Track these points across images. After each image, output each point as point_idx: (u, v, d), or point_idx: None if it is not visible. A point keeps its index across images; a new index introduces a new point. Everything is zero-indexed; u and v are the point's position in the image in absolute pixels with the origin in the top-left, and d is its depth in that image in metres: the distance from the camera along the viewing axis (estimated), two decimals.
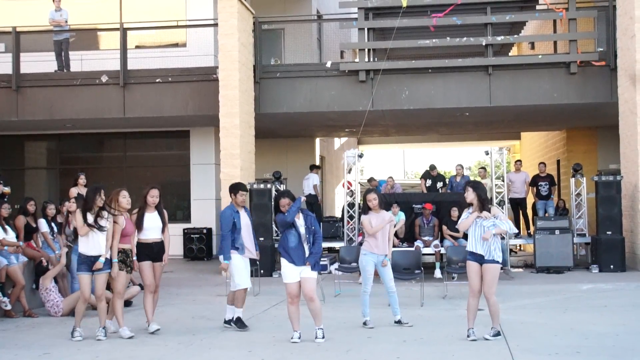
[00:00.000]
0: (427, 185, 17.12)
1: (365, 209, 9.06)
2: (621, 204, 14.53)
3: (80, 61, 17.74)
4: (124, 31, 16.91)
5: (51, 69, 17.16)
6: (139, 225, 8.82)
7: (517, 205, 17.23)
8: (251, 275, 12.59)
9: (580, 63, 15.76)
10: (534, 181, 17.08)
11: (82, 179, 13.33)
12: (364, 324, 8.79)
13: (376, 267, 8.90)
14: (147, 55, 17.57)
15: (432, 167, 17.44)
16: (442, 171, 18.67)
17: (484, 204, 7.88)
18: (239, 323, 8.80)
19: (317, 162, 22.84)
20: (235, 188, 9.08)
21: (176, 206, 19.73)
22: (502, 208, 15.14)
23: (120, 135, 19.61)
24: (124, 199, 8.71)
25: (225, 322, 8.98)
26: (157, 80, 16.77)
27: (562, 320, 9.14)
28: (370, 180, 18.06)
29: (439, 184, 17.03)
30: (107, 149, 20.23)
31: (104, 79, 16.82)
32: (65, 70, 17.02)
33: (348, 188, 16.01)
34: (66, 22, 17.00)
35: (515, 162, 17.95)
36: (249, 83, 15.96)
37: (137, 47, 18.49)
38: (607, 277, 13.42)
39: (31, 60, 17.31)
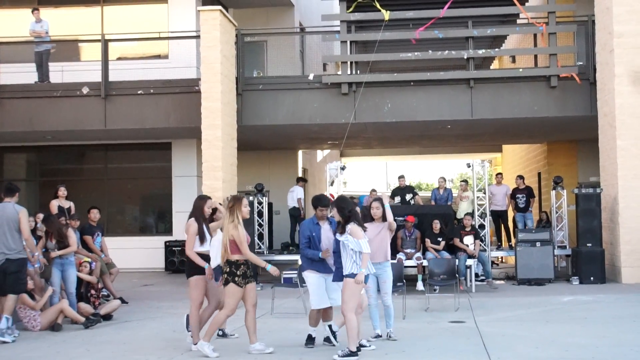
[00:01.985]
0: (397, 201, 16.91)
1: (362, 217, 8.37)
2: (601, 216, 14.67)
3: (61, 72, 17.65)
4: (105, 42, 16.86)
5: (31, 80, 17.06)
6: (202, 236, 8.45)
7: (499, 217, 17.34)
8: None
9: (561, 77, 15.89)
10: (513, 194, 17.22)
11: (62, 191, 13.22)
12: (377, 336, 8.61)
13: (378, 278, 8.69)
14: (128, 67, 17.53)
15: (401, 177, 17.39)
16: (424, 183, 18.60)
17: (347, 220, 7.77)
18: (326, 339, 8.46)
19: (300, 174, 22.84)
20: (316, 201, 8.48)
21: (157, 218, 19.65)
22: (484, 220, 15.23)
23: (101, 147, 19.51)
24: (246, 208, 8.28)
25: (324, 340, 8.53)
26: (139, 92, 16.72)
27: (543, 332, 9.18)
28: (400, 177, 17.64)
29: (408, 196, 16.98)
30: (88, 161, 20.11)
31: (85, 90, 16.74)
32: (45, 82, 16.93)
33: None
34: (47, 33, 16.93)
35: (496, 175, 18.06)
36: (231, 95, 15.96)
37: (119, 58, 18.46)
38: (587, 288, 13.52)
39: (11, 71, 17.22)
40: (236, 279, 7.88)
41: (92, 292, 11.10)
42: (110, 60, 17.03)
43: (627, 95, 14.35)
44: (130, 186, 19.62)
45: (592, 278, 14.23)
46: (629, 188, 14.26)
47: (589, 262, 14.34)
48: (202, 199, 8.75)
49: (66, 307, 10.11)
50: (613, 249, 14.56)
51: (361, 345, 8.04)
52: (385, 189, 41.69)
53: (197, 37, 16.38)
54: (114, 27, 18.45)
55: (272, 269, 7.96)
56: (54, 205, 12.68)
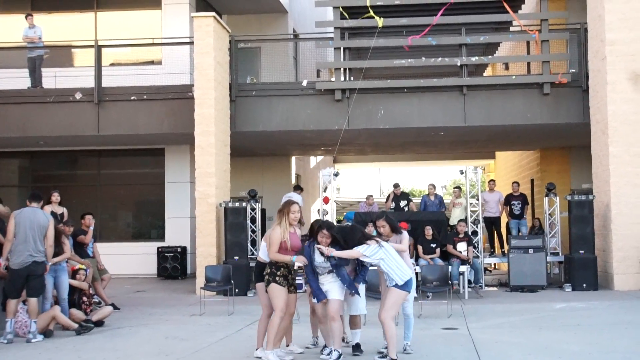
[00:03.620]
0: (392, 207, 16.98)
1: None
2: (593, 223, 14.71)
3: (54, 78, 17.61)
4: (98, 48, 16.85)
5: (24, 85, 17.02)
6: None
7: (492, 224, 17.37)
8: (224, 295, 12.63)
9: (555, 84, 15.93)
10: (507, 200, 17.25)
11: (55, 197, 13.21)
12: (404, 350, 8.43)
13: None
14: (122, 73, 17.52)
15: (396, 185, 17.44)
16: (418, 190, 18.58)
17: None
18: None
19: (293, 181, 22.86)
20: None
21: (150, 224, 19.62)
22: (477, 227, 15.25)
23: (94, 153, 19.48)
24: (293, 214, 8.12)
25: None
26: (132, 98, 16.70)
27: (536, 340, 9.20)
28: (396, 186, 17.51)
29: (403, 203, 17.01)
30: (80, 167, 20.07)
31: (78, 96, 16.72)
32: (38, 87, 16.89)
33: (325, 203, 15.97)
34: (40, 38, 16.90)
35: (489, 181, 18.10)
36: (224, 101, 15.96)
37: (112, 64, 18.44)
38: (580, 295, 13.54)
39: (4, 77, 17.20)
40: (277, 279, 7.88)
41: (84, 299, 11.06)
42: (104, 66, 17.01)
43: (620, 102, 14.41)
44: (123, 192, 19.58)
45: (584, 285, 14.26)
46: (622, 195, 14.31)
47: (582, 269, 14.37)
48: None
49: (58, 314, 10.09)
50: (606, 256, 14.60)
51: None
52: (378, 195, 41.78)
53: (191, 43, 16.39)
54: (107, 33, 18.44)
55: (298, 259, 7.93)
56: (47, 210, 12.61)
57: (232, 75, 16.58)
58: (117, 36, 18.02)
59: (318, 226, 8.03)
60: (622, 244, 14.20)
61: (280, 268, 7.90)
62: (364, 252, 7.72)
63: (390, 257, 7.78)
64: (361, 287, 8.35)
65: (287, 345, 8.51)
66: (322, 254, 7.84)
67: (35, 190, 10.37)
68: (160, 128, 16.79)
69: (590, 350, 8.42)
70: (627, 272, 14.12)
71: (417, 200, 19.58)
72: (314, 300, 8.07)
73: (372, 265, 8.11)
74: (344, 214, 17.82)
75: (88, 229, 12.64)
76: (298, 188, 18.53)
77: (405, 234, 8.75)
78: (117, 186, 19.54)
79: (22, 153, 19.54)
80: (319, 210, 17.14)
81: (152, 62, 18.64)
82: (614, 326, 10.12)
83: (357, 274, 8.13)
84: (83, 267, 11.30)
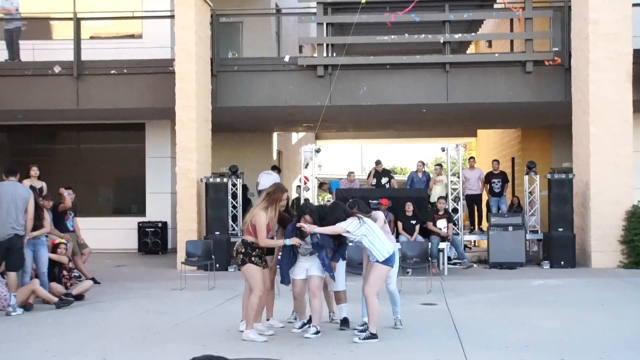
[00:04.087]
0: (372, 183, 17.07)
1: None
2: (573, 201, 14.88)
3: (32, 51, 17.41)
4: (77, 21, 16.66)
5: (1, 58, 16.84)
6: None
7: (473, 201, 17.49)
8: (205, 270, 12.70)
9: (547, 63, 15.98)
10: (487, 178, 17.36)
11: (34, 171, 13.15)
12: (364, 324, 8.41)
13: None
14: (102, 47, 17.38)
15: (378, 162, 17.44)
16: (399, 167, 18.61)
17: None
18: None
19: (275, 157, 22.89)
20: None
21: (131, 200, 19.58)
22: (457, 204, 15.39)
23: (73, 128, 19.36)
24: (283, 201, 8.18)
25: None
26: (112, 72, 16.58)
27: (514, 315, 9.34)
28: (377, 163, 17.43)
29: (384, 180, 17.07)
30: (60, 142, 19.94)
31: (57, 69, 16.58)
32: (16, 60, 16.71)
33: (305, 183, 16.06)
34: (17, 10, 16.69)
35: (469, 159, 18.20)
36: (206, 76, 15.89)
37: (92, 37, 18.27)
38: (557, 273, 13.74)
39: None
40: (253, 259, 7.91)
41: (65, 272, 11.07)
42: (83, 40, 16.84)
43: (601, 82, 14.51)
44: (103, 167, 19.50)
45: (562, 262, 14.46)
46: (601, 174, 14.47)
47: (560, 247, 14.56)
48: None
49: (38, 287, 10.10)
50: (584, 234, 14.80)
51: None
52: (360, 171, 41.87)
53: (172, 17, 16.26)
54: (86, 5, 18.20)
55: (292, 240, 7.96)
56: (26, 185, 12.57)
57: (213, 50, 16.49)
58: (97, 9, 17.82)
59: (301, 210, 8.10)
60: (600, 222, 14.39)
61: (255, 248, 7.95)
62: (347, 227, 7.79)
63: (372, 233, 7.85)
64: (341, 263, 8.44)
65: (268, 319, 8.60)
66: (302, 234, 7.90)
67: (10, 164, 10.33)
68: (140, 103, 16.70)
69: (567, 326, 8.58)
70: (604, 250, 14.33)
71: (402, 178, 19.66)
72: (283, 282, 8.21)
73: (351, 242, 8.19)
74: (329, 181, 17.74)
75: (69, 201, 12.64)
76: (275, 168, 18.48)
77: (378, 213, 8.79)
78: (97, 161, 19.45)
79: (0, 127, 19.36)
80: (299, 187, 17.20)
81: (132, 36, 18.49)
82: (590, 303, 10.30)
83: (335, 252, 8.21)
84: (63, 241, 11.30)
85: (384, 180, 16.98)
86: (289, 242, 7.93)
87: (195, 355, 2.23)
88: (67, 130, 19.53)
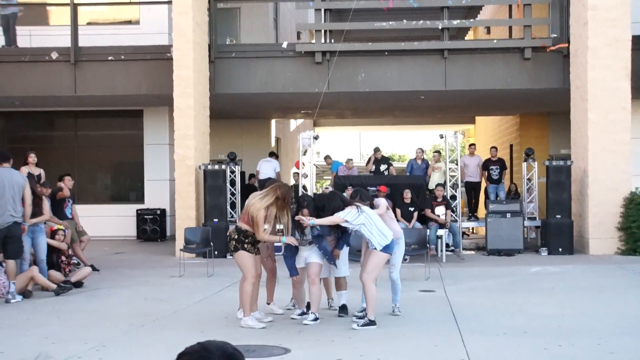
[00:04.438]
0: (372, 170, 17.06)
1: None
2: (570, 188, 14.91)
3: (29, 37, 17.37)
4: (74, 6, 16.62)
5: None
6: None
7: (472, 189, 17.49)
8: (204, 257, 12.71)
9: (551, 49, 15.94)
10: (485, 165, 17.36)
11: (32, 158, 13.14)
12: (363, 309, 8.42)
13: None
14: (99, 32, 17.32)
15: (377, 149, 17.43)
16: (397, 154, 18.57)
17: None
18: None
19: (273, 144, 22.88)
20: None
21: (129, 187, 19.59)
22: (456, 191, 15.41)
23: (71, 114, 19.31)
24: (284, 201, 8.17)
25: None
26: (110, 58, 16.55)
27: (511, 302, 9.38)
28: (376, 150, 17.37)
29: (383, 167, 17.07)
30: (57, 128, 19.92)
31: (54, 55, 16.52)
32: (13, 46, 16.65)
33: (297, 167, 15.97)
34: None
35: (469, 145, 18.20)
36: (203, 63, 15.86)
37: (89, 23, 18.21)
38: (555, 259, 13.79)
39: None
40: (245, 246, 7.93)
41: (63, 258, 11.09)
42: (80, 25, 16.81)
43: (599, 68, 14.50)
44: (101, 154, 19.49)
45: (560, 249, 14.51)
46: (599, 161, 14.49)
47: (558, 234, 14.60)
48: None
49: (37, 274, 10.11)
50: (582, 221, 14.84)
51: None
52: (358, 158, 41.85)
53: (169, 2, 16.20)
54: None
55: (288, 239, 7.99)
56: (24, 172, 12.54)
57: (211, 37, 16.45)
58: None
59: (299, 204, 8.10)
60: (597, 209, 14.43)
61: (248, 236, 7.96)
62: (345, 217, 7.80)
63: (371, 221, 7.86)
64: (345, 250, 8.47)
65: (268, 304, 8.64)
66: (300, 228, 7.92)
67: (3, 150, 10.21)
68: (138, 89, 16.68)
69: (564, 312, 8.62)
70: (602, 237, 14.39)
71: (400, 165, 19.63)
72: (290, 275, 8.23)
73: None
74: (332, 160, 17.57)
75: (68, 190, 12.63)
76: (273, 155, 18.46)
77: (381, 200, 8.80)
78: (95, 148, 19.44)
79: None
80: (297, 174, 17.19)
81: (129, 22, 18.42)
82: (587, 290, 10.34)
83: (338, 241, 8.25)
84: (61, 227, 11.31)
85: (383, 167, 16.97)
86: (285, 239, 7.95)
87: (193, 342, 2.23)
88: (65, 117, 19.49)
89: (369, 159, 17.65)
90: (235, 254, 8.01)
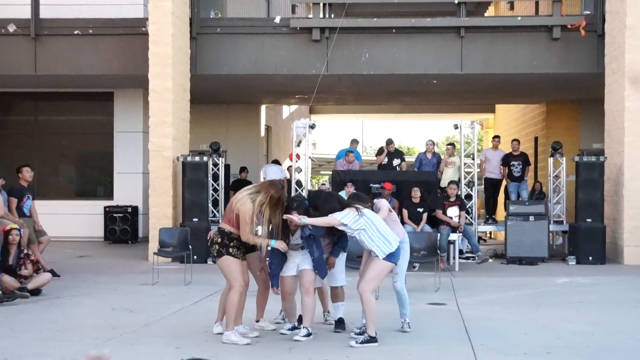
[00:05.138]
0: (383, 162, 17.04)
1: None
2: (604, 188, 14.90)
3: None
4: None
5: None
6: None
7: (493, 187, 17.42)
8: (181, 262, 12.70)
9: (569, 27, 15.92)
10: (506, 160, 17.26)
11: None
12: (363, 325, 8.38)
13: None
14: (63, 2, 17.24)
15: (389, 142, 17.36)
16: (405, 147, 18.52)
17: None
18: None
19: (263, 133, 22.89)
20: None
21: (97, 180, 19.58)
22: (471, 190, 15.40)
23: (30, 96, 19.29)
24: (273, 201, 8.13)
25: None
26: (76, 33, 16.52)
27: (534, 317, 9.37)
28: (389, 142, 17.34)
29: (396, 161, 17.02)
30: (15, 112, 19.87)
31: (12, 28, 16.49)
32: None
33: (290, 159, 15.98)
34: None
35: (493, 138, 18.05)
36: (184, 39, 15.83)
37: None
38: (585, 269, 13.79)
39: None
40: (231, 250, 7.89)
41: (21, 255, 10.92)
42: None
43: (639, 50, 14.46)
44: (65, 142, 19.46)
45: (590, 258, 14.50)
46: (637, 157, 14.49)
47: (588, 240, 14.60)
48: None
49: None
50: (616, 226, 14.84)
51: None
52: (361, 151, 41.93)
53: None
54: None
55: (278, 244, 7.95)
56: None
57: (192, 9, 16.43)
58: None
59: (287, 205, 8.04)
60: (634, 212, 14.44)
61: (233, 239, 7.92)
62: (342, 219, 7.72)
63: (372, 227, 7.79)
64: (341, 256, 8.44)
65: (257, 321, 8.61)
66: (288, 230, 7.90)
67: None
68: (108, 69, 16.65)
69: (594, 330, 8.61)
70: (639, 244, 14.39)
71: (409, 159, 19.59)
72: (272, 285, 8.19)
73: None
74: (338, 153, 17.56)
75: (26, 182, 12.58)
76: (277, 162, 18.63)
77: (382, 202, 8.74)
78: (57, 135, 19.41)
79: None
80: (290, 167, 17.20)
81: None
82: (621, 304, 10.35)
83: (334, 246, 8.21)
84: (15, 226, 11.22)
85: (396, 162, 16.87)
86: (274, 243, 7.91)
87: (168, 359, 2.21)
88: (23, 99, 19.45)
89: (380, 150, 17.49)
90: (219, 260, 7.97)
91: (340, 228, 7.85)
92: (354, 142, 17.96)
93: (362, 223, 7.75)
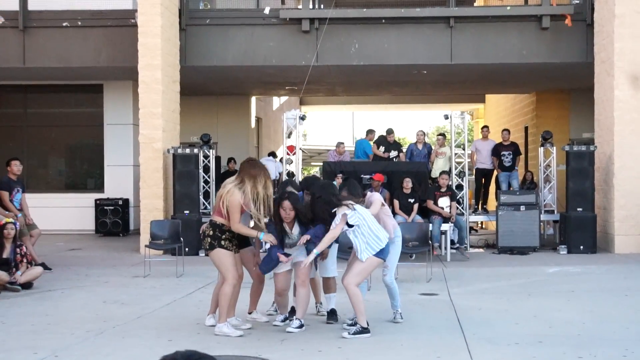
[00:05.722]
0: (382, 152, 16.95)
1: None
2: (594, 177, 14.94)
3: None
4: None
5: None
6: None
7: (483, 177, 17.43)
8: (172, 254, 12.70)
9: (554, 16, 15.96)
10: (496, 150, 17.28)
11: None
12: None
13: None
14: None
15: (389, 131, 17.14)
16: (396, 137, 18.42)
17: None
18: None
19: (253, 125, 22.86)
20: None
21: (87, 173, 19.51)
22: (462, 180, 15.41)
23: (19, 89, 19.19)
24: (259, 185, 8.11)
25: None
26: (64, 24, 16.44)
27: (525, 307, 9.40)
28: (389, 132, 17.13)
29: (393, 153, 16.97)
30: (3, 105, 19.76)
31: (0, 20, 16.39)
32: None
33: (288, 154, 16.00)
34: None
35: (482, 128, 18.13)
36: (173, 30, 15.78)
37: None
38: (576, 259, 13.85)
39: None
40: (223, 242, 7.86)
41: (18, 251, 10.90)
42: None
43: (629, 38, 14.51)
44: (55, 135, 19.40)
45: (581, 247, 14.56)
46: (626, 145, 14.53)
47: (579, 229, 14.65)
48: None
49: None
50: (606, 215, 14.89)
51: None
52: (350, 142, 41.91)
53: None
54: None
55: (267, 237, 7.92)
56: None
57: (182, 0, 16.35)
58: None
59: (279, 196, 8.04)
60: (624, 201, 14.48)
61: (225, 231, 7.90)
62: (348, 220, 7.74)
63: (364, 223, 7.79)
64: (333, 247, 8.45)
65: (249, 313, 8.60)
66: (284, 229, 7.91)
67: None
68: (97, 60, 16.59)
69: (584, 318, 8.64)
70: (629, 233, 14.45)
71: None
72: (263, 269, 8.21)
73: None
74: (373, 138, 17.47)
75: (15, 176, 12.53)
76: (273, 155, 18.59)
77: (374, 196, 8.73)
78: (47, 127, 19.34)
79: None
80: (281, 159, 17.19)
81: None
82: (612, 293, 10.37)
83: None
84: (10, 220, 11.19)
85: (393, 153, 16.77)
86: (263, 236, 7.89)
87: (160, 351, 2.20)
88: (12, 91, 19.35)
89: (380, 140, 17.29)
90: (211, 253, 7.95)
91: (344, 231, 7.88)
92: (370, 132, 17.75)
93: (356, 218, 7.75)
